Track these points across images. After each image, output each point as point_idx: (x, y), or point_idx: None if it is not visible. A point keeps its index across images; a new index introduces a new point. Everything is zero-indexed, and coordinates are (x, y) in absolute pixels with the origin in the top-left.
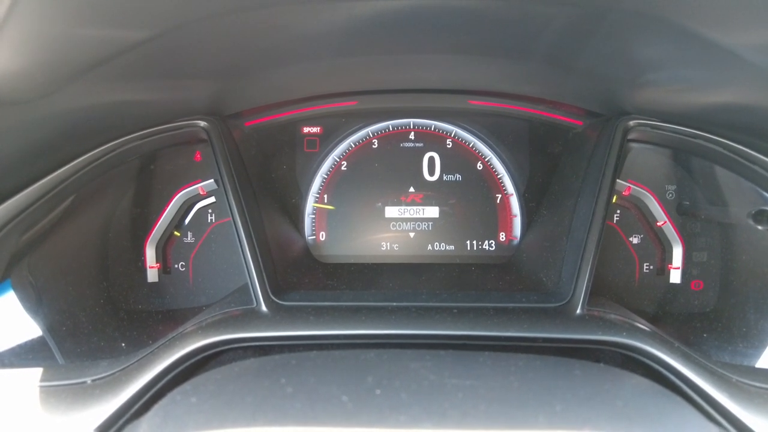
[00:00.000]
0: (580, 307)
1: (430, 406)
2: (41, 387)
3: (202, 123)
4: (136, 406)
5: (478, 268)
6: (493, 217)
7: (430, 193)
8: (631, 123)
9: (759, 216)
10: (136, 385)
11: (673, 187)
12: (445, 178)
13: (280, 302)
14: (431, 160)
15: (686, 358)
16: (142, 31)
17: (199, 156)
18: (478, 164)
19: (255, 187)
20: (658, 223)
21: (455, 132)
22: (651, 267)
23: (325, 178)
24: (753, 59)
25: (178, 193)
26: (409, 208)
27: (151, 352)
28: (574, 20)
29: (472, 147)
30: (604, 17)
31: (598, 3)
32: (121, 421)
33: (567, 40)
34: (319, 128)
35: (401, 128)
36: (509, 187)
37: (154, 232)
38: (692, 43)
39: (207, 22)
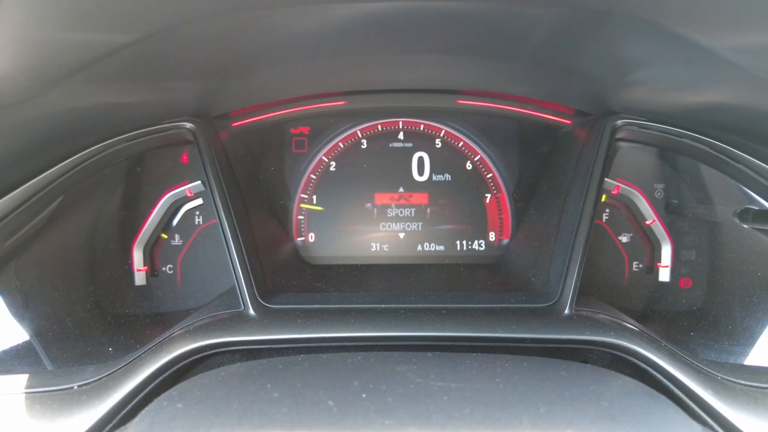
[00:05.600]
0: (568, 307)
1: (416, 409)
2: (26, 393)
3: (189, 125)
4: (123, 412)
5: (468, 268)
6: (483, 217)
7: (420, 194)
8: (619, 122)
9: (744, 214)
10: (123, 391)
11: (662, 186)
12: (434, 178)
13: (268, 305)
14: (420, 160)
15: (673, 357)
16: (127, 35)
17: (186, 157)
18: (468, 164)
19: (242, 189)
20: (647, 222)
21: (444, 132)
22: (640, 265)
23: (313, 178)
24: (737, 61)
25: (165, 195)
26: (398, 208)
27: (138, 356)
28: (561, 21)
29: (462, 147)
30: (590, 19)
31: (584, 5)
32: (107, 428)
33: (554, 41)
34: (307, 129)
35: (390, 128)
36: (498, 186)
37: (141, 234)
38: (678, 45)
39: (193, 24)
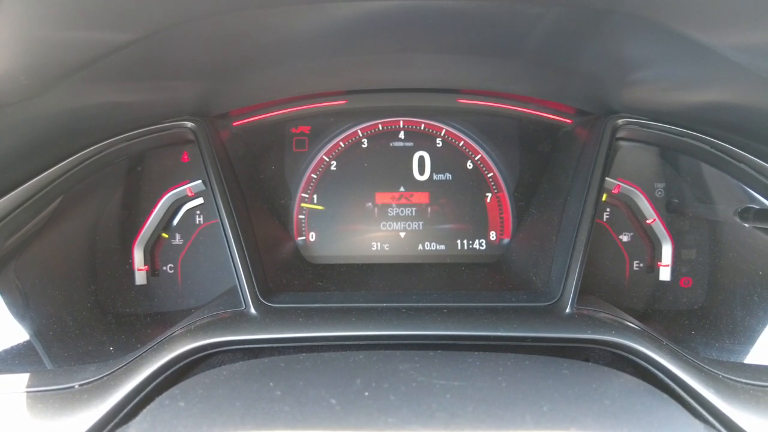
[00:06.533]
0: (569, 306)
1: (419, 407)
2: (28, 392)
3: (189, 124)
4: (125, 411)
5: (469, 267)
6: (484, 217)
7: (421, 193)
8: (620, 121)
9: (745, 213)
10: (124, 390)
11: (662, 185)
12: (435, 177)
13: (269, 304)
14: (421, 159)
15: (674, 356)
16: (127, 34)
17: (186, 157)
18: (468, 163)
19: (243, 188)
20: (647, 221)
21: (445, 131)
22: (641, 265)
23: (314, 178)
24: (737, 59)
25: (166, 194)
26: (399, 207)
27: (139, 355)
28: (561, 21)
29: (462, 146)
30: (591, 18)
31: (585, 4)
32: (109, 427)
33: (555, 40)
34: (308, 128)
35: (391, 127)
36: (499, 186)
37: (142, 234)
38: (678, 44)
39: (193, 23)
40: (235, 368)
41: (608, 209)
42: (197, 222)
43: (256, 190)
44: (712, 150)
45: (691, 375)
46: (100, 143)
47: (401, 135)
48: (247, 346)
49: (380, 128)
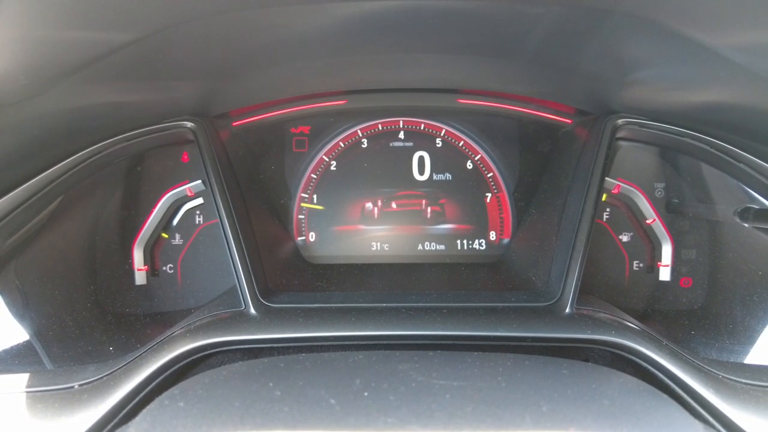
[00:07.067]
0: (569, 306)
1: (418, 407)
2: (27, 392)
3: (189, 124)
4: (124, 411)
5: (468, 267)
6: (484, 217)
7: (420, 193)
8: (620, 121)
9: (745, 213)
10: (124, 390)
11: (662, 185)
12: (435, 177)
13: (269, 304)
14: (421, 159)
15: (674, 356)
16: (127, 33)
17: (186, 157)
18: (468, 163)
19: (243, 188)
20: (647, 221)
21: (445, 131)
22: (641, 265)
23: (314, 178)
24: (737, 59)
25: (166, 194)
26: (399, 207)
27: (139, 356)
28: (561, 21)
29: (462, 146)
30: (591, 18)
31: (585, 4)
32: (108, 427)
33: (555, 40)
34: (307, 128)
35: (391, 127)
36: (499, 186)
37: (141, 234)
38: (678, 43)
39: (193, 24)
40: (235, 368)
41: (608, 209)
42: (197, 222)
43: (255, 190)
44: (712, 150)
45: (690, 375)
46: (100, 143)
47: (401, 135)
48: (246, 346)
49: (380, 128)
